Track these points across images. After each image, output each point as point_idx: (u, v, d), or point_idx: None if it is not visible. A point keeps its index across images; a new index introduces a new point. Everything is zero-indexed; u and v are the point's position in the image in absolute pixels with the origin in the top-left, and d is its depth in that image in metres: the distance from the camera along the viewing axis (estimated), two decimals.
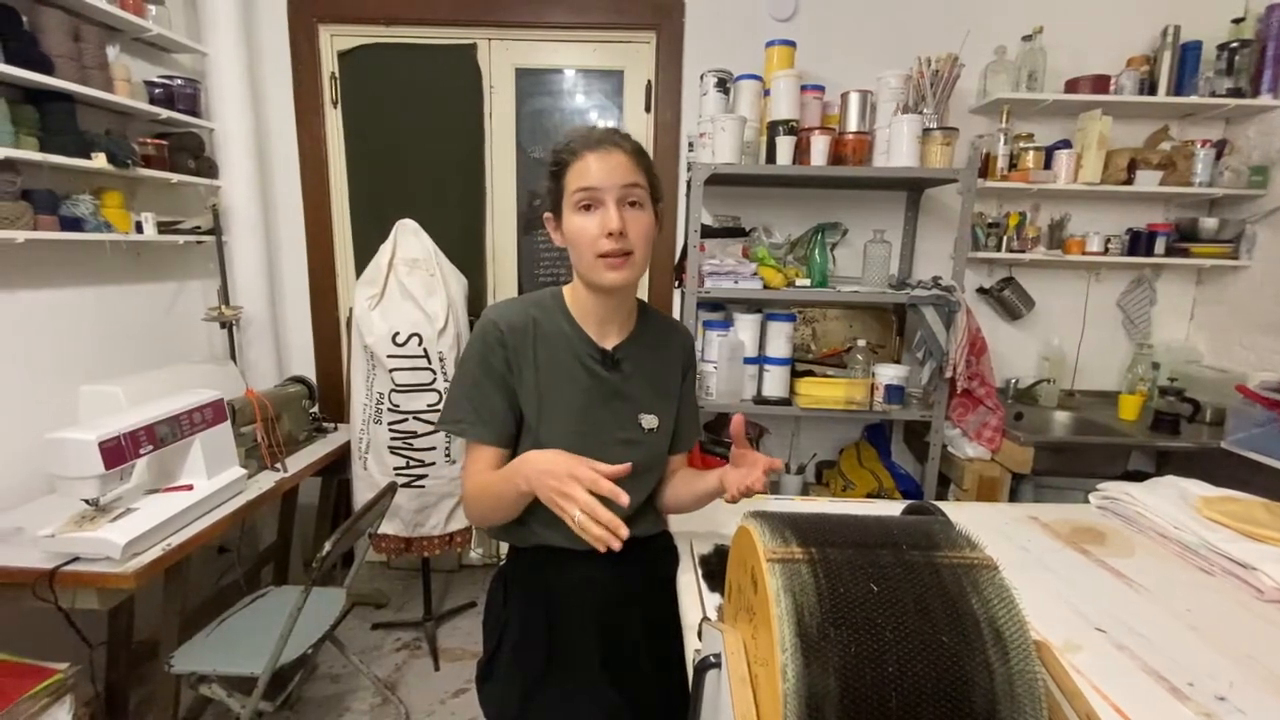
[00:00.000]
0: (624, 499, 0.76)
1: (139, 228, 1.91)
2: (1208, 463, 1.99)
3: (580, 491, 0.76)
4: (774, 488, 2.38)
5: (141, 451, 1.42)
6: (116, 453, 1.34)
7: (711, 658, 0.57)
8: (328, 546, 1.46)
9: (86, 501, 1.38)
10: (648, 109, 2.42)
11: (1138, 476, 1.79)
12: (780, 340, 2.15)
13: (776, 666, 0.45)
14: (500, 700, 0.98)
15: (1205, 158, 2.24)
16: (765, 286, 2.09)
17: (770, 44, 2.13)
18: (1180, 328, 2.50)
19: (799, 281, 2.12)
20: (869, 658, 0.45)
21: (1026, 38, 2.23)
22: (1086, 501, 1.37)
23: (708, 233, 2.22)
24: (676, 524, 1.14)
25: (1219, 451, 1.97)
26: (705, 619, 0.68)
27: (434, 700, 2.00)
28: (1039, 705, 0.45)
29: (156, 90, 2.01)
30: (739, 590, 0.59)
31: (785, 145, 2.02)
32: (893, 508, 1.30)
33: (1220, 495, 1.22)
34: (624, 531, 0.76)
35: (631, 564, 0.99)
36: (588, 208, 0.89)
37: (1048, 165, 2.26)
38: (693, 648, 0.78)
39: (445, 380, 2.03)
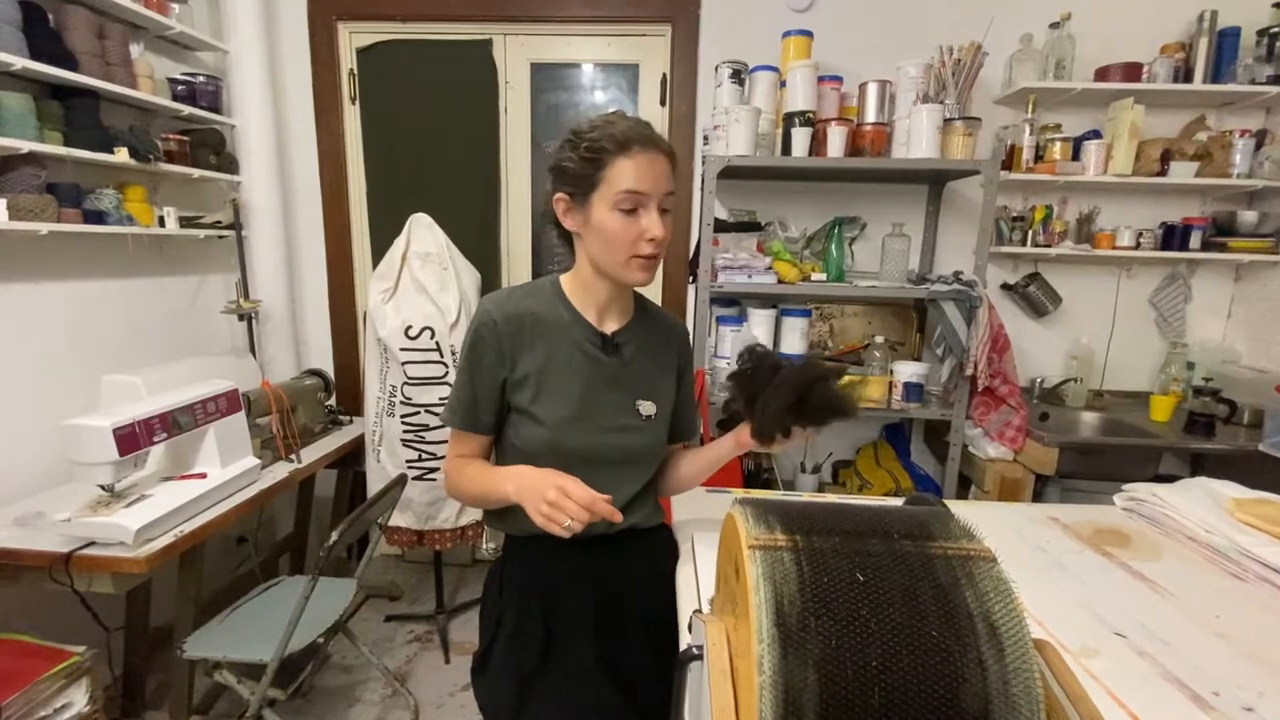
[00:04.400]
0: (618, 517, 0.80)
1: (161, 222, 1.95)
2: (1244, 466, 1.90)
3: (570, 504, 0.78)
4: (788, 487, 2.34)
5: (155, 439, 1.44)
6: (130, 439, 1.37)
7: (694, 649, 0.55)
8: (335, 536, 1.46)
9: (102, 487, 1.41)
10: (663, 102, 2.40)
11: (1169, 480, 1.72)
12: (795, 336, 2.12)
13: (754, 658, 0.43)
14: (495, 693, 0.96)
15: (1244, 148, 2.15)
16: (780, 281, 2.05)
17: (787, 34, 2.09)
18: (1217, 326, 2.40)
19: (815, 276, 2.08)
20: (851, 651, 0.42)
21: (1054, 25, 2.15)
22: (1113, 504, 1.32)
23: (722, 227, 2.19)
24: (678, 516, 1.12)
25: (1256, 454, 1.89)
26: (696, 611, 0.66)
27: (443, 693, 2.00)
28: (1036, 706, 0.42)
29: (179, 87, 2.05)
30: (725, 580, 0.57)
31: (801, 137, 1.98)
32: (898, 501, 1.26)
33: (1254, 497, 1.16)
34: (618, 516, 0.80)
35: (629, 556, 0.98)
36: (631, 210, 0.87)
37: (1076, 157, 2.19)
38: (684, 640, 0.76)
39: None
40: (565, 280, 0.98)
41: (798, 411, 0.87)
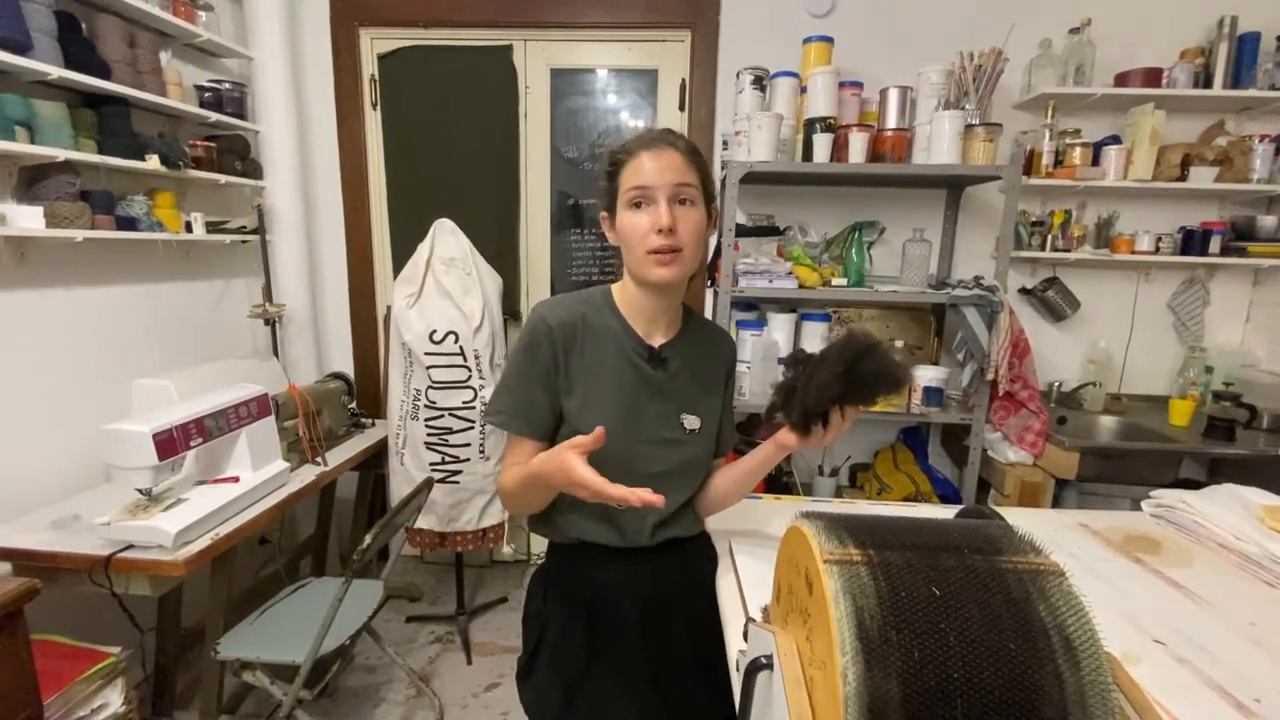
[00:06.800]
0: (657, 500, 0.77)
1: (189, 227, 1.97)
2: (1265, 471, 1.90)
3: (601, 484, 0.78)
4: (806, 490, 2.35)
5: (192, 444, 1.46)
6: (169, 444, 1.39)
7: (762, 659, 0.57)
8: (368, 540, 1.48)
9: (140, 491, 1.43)
10: (681, 108, 2.42)
11: (1189, 485, 1.72)
12: (815, 341, 2.13)
13: (836, 669, 0.44)
14: (541, 698, 0.98)
15: (1264, 153, 2.15)
16: (800, 286, 2.07)
17: (807, 40, 2.11)
18: (1235, 330, 2.41)
19: (835, 281, 2.09)
20: (932, 663, 0.44)
21: (1074, 30, 2.16)
22: (1134, 509, 1.33)
23: (742, 232, 2.20)
24: (715, 524, 1.13)
25: (1277, 459, 1.89)
26: (751, 620, 0.67)
27: (466, 694, 2.02)
28: (1111, 719, 0.44)
29: (206, 94, 2.08)
30: (790, 592, 0.58)
31: (822, 143, 1.99)
32: (940, 512, 1.26)
33: None
34: (651, 497, 0.77)
35: (672, 564, 1.00)
36: (639, 205, 0.89)
37: (1096, 162, 2.19)
38: (736, 649, 0.78)
39: (480, 378, 2.06)
40: (616, 290, 0.99)
41: (845, 382, 0.80)
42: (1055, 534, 1.20)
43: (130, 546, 1.38)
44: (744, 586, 0.94)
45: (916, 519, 0.56)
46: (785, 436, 0.89)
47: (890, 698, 0.43)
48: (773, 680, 0.55)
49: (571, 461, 0.79)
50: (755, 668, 0.57)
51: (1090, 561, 1.10)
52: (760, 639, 0.61)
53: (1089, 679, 0.44)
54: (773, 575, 0.66)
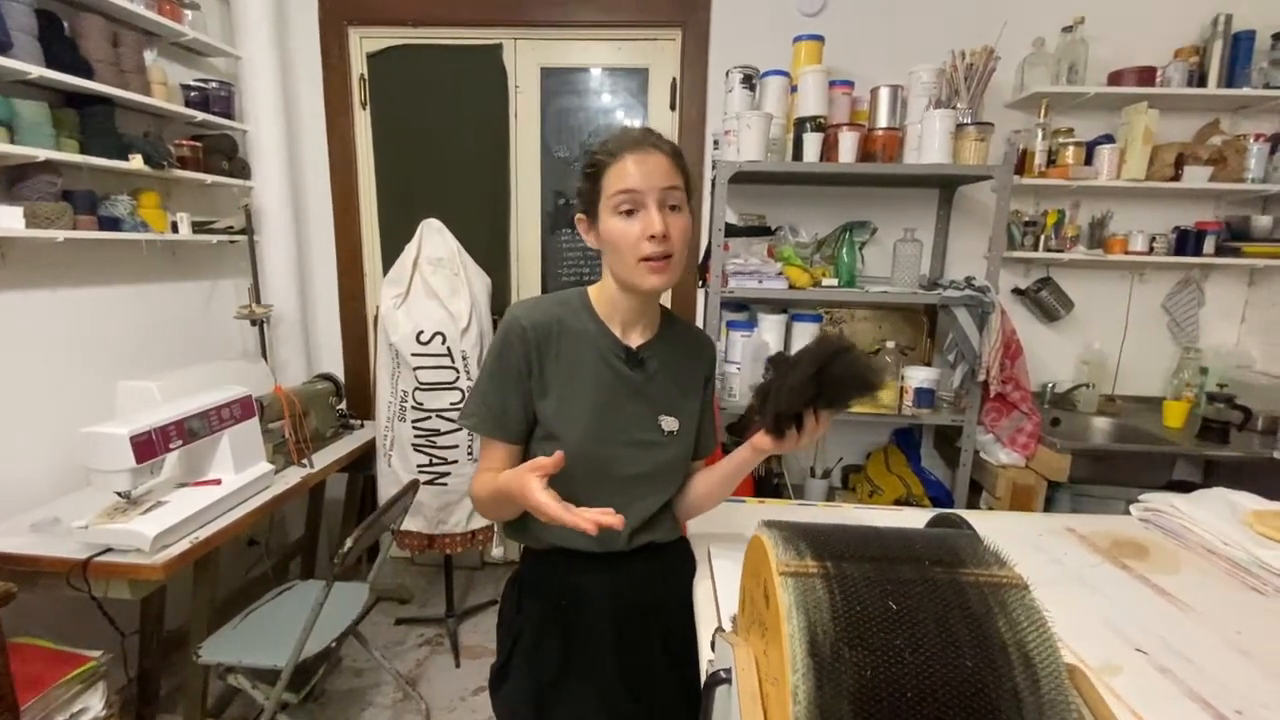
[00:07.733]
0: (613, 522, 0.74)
1: (174, 228, 1.96)
2: (1259, 474, 1.89)
3: (558, 511, 0.75)
4: (798, 492, 2.34)
5: (171, 446, 1.45)
6: (147, 447, 1.37)
7: (722, 672, 0.55)
8: (349, 543, 1.47)
9: (119, 494, 1.42)
10: (672, 107, 2.40)
11: (1183, 487, 1.70)
12: (806, 341, 2.11)
13: (787, 687, 0.43)
14: (514, 706, 0.97)
15: (1259, 153, 2.14)
16: (791, 286, 2.05)
17: (798, 39, 2.09)
18: (1230, 331, 2.39)
19: (826, 281, 2.08)
20: (886, 682, 0.42)
21: (1067, 29, 2.14)
22: (1127, 513, 1.31)
23: (732, 231, 2.19)
24: (696, 528, 1.12)
25: (1271, 462, 1.87)
26: (719, 630, 0.66)
27: (454, 697, 2.01)
28: None
29: (192, 93, 2.06)
30: (752, 602, 0.57)
31: (813, 142, 1.98)
32: (919, 516, 1.25)
33: (1273, 509, 1.15)
34: (609, 519, 0.74)
35: (649, 570, 0.98)
36: (629, 211, 0.87)
37: (1089, 161, 2.18)
38: (706, 658, 0.76)
39: (468, 379, 2.04)
40: (593, 292, 0.98)
41: (817, 385, 0.79)
42: (1041, 538, 1.18)
43: (108, 550, 1.37)
44: (719, 594, 0.92)
45: (882, 529, 0.55)
46: (760, 440, 0.88)
47: (841, 718, 0.41)
48: (731, 694, 0.53)
49: (530, 485, 0.76)
50: (714, 681, 0.56)
51: (1075, 567, 1.08)
52: (725, 650, 0.60)
53: (1048, 697, 0.42)
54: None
